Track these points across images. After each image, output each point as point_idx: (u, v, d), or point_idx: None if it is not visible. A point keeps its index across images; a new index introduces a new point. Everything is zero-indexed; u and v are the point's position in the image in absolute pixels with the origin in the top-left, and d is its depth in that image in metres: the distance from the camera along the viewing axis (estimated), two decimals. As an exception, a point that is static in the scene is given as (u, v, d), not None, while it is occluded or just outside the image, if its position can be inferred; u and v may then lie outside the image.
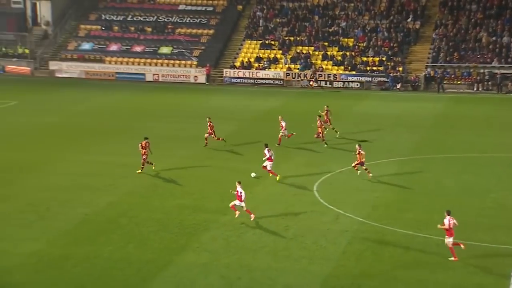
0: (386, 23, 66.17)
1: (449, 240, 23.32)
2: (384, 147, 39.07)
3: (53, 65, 65.11)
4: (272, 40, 66.52)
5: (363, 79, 61.32)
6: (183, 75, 63.83)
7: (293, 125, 41.17)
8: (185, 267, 23.01)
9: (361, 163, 32.52)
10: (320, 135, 38.87)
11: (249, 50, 66.15)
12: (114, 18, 70.38)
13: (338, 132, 41.32)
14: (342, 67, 62.63)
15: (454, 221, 23.27)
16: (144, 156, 33.13)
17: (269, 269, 22.96)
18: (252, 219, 26.86)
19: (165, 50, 66.48)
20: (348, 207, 28.67)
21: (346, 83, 61.48)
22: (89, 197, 29.82)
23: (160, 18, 70.01)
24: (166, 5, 71.87)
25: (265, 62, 63.96)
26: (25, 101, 51.89)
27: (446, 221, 23.31)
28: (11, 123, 43.95)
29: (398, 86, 60.10)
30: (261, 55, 64.84)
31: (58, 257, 23.51)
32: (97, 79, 63.67)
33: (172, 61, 65.27)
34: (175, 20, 69.85)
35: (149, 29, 68.94)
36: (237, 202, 27.07)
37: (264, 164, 32.69)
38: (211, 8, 71.05)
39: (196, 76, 63.54)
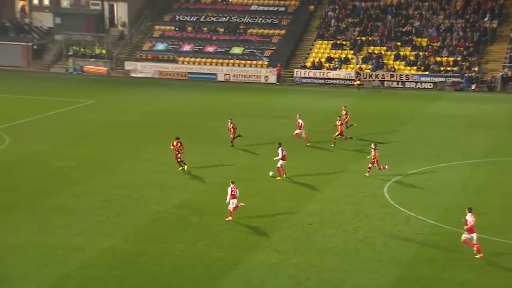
0: (461, 23, 64.72)
1: (467, 236, 23.43)
2: (457, 149, 38.30)
3: (128, 65, 66.62)
4: (343, 40, 66.11)
5: (436, 79, 60.14)
6: (254, 75, 64.20)
7: (364, 126, 40.90)
8: (255, 266, 23.21)
9: (373, 162, 32.50)
10: (338, 135, 38.72)
11: (320, 50, 65.94)
12: (188, 19, 71.43)
13: (353, 137, 40.45)
14: (415, 68, 61.66)
15: (472, 218, 23.37)
16: (179, 155, 33.58)
17: (338, 270, 22.90)
18: (228, 219, 26.98)
19: (236, 50, 67.03)
20: (420, 209, 28.27)
21: (418, 83, 60.47)
22: (162, 195, 30.43)
23: (232, 18, 70.64)
24: (238, 6, 72.45)
25: (336, 62, 63.63)
26: (101, 100, 53.30)
27: (469, 218, 23.42)
28: (88, 121, 45.25)
29: (473, 86, 58.66)
30: (332, 55, 64.54)
31: (131, 253, 24.12)
32: (170, 79, 64.76)
33: (243, 61, 65.76)
34: (247, 21, 70.32)
35: (222, 30, 69.65)
36: (231, 201, 27.24)
37: (278, 164, 32.72)
38: (283, 9, 71.18)
39: (266, 76, 63.80)
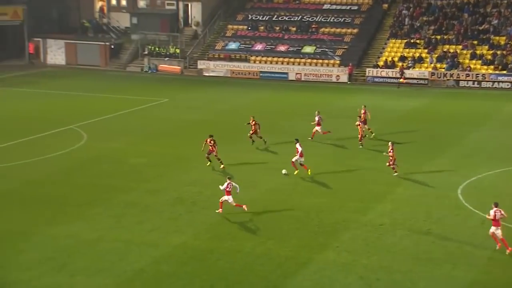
0: (541, 20, 62.66)
1: (497, 232, 23.72)
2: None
3: (201, 64, 67.49)
4: (417, 39, 64.99)
5: (515, 79, 58.49)
6: (325, 74, 63.93)
7: (438, 127, 40.14)
8: (325, 266, 23.16)
9: (392, 160, 32.59)
10: (360, 135, 38.32)
11: (393, 49, 65.04)
12: (260, 18, 71.79)
13: (373, 134, 40.10)
14: (492, 67, 60.02)
15: (502, 212, 23.67)
16: (212, 151, 33.82)
17: (409, 272, 22.60)
18: (246, 209, 27.43)
19: (308, 49, 66.88)
20: (495, 212, 27.51)
21: (495, 83, 58.86)
22: (233, 192, 30.67)
23: (304, 17, 70.54)
24: (311, 5, 72.29)
25: (409, 62, 62.63)
26: (175, 98, 54.20)
27: (492, 212, 23.67)
28: (162, 119, 46.09)
29: (553, 86, 56.72)
30: (405, 54, 63.55)
31: (202, 250, 24.47)
32: (241, 78, 65.24)
33: (315, 60, 65.54)
34: (319, 20, 70.08)
35: (293, 29, 69.65)
36: (225, 197, 27.57)
37: (294, 159, 32.74)
38: (356, 7, 70.60)
39: (338, 76, 63.42)
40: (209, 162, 34.29)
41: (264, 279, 22.32)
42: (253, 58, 66.95)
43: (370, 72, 62.87)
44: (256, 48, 68.04)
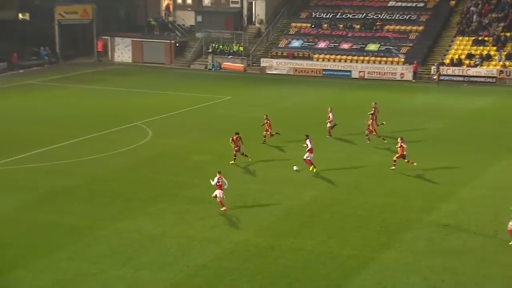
0: None
1: None
2: None
3: (264, 62, 67.69)
4: (486, 36, 63.51)
5: None
6: (389, 72, 63.17)
7: (502, 126, 39.15)
8: (387, 266, 22.93)
9: (402, 156, 32.46)
10: (370, 132, 37.95)
11: (460, 46, 63.74)
12: (324, 16, 71.49)
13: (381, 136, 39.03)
14: None
15: None
16: (236, 148, 34.14)
17: (476, 275, 22.15)
18: (223, 210, 27.64)
19: (372, 47, 66.20)
20: None
21: None
22: (294, 190, 30.73)
23: (369, 15, 69.89)
24: (375, 2, 71.56)
25: (477, 59, 61.26)
26: (238, 96, 54.55)
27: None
28: (225, 117, 46.44)
29: None
30: (473, 52, 62.19)
31: (264, 247, 24.57)
32: (304, 75, 65.12)
33: (378, 58, 64.85)
34: (384, 17, 69.30)
35: (357, 26, 69.10)
36: (218, 192, 27.73)
37: (305, 156, 32.83)
38: (421, 4, 69.53)
39: (402, 73, 62.57)
40: (233, 161, 34.46)
41: (325, 278, 22.25)
42: (316, 56, 66.73)
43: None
44: (319, 46, 67.79)
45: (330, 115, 39.68)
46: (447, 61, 62.11)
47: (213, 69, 69.11)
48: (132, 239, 25.19)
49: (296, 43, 68.93)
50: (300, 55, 67.45)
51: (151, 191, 30.66)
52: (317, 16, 71.67)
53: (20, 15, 72.63)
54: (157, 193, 30.43)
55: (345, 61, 65.53)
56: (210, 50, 70.27)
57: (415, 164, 32.96)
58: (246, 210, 28.37)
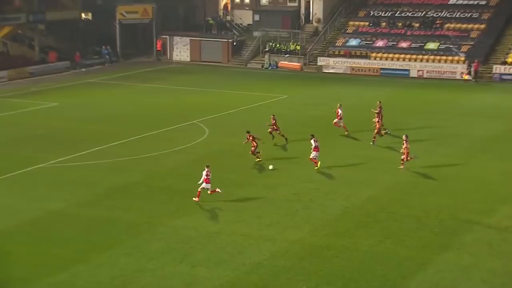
0: None
1: None
2: None
3: (321, 61, 67.41)
4: (550, 34, 61.83)
5: None
6: (448, 71, 62.05)
7: None
8: (445, 268, 22.59)
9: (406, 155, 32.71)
10: (377, 131, 37.66)
11: (524, 45, 62.22)
12: (382, 14, 70.73)
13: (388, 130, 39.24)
14: None
15: None
16: (252, 148, 34.26)
17: (536, 279, 21.63)
18: (195, 199, 28.60)
19: (431, 45, 65.14)
20: None
21: None
22: (350, 190, 30.56)
23: (428, 13, 68.78)
24: (435, 0, 70.40)
25: (541, 58, 59.71)
26: (294, 95, 54.52)
27: None
28: (281, 115, 46.29)
29: None
30: (537, 50, 60.63)
31: (319, 246, 24.53)
32: (361, 74, 64.58)
33: (438, 57, 63.77)
34: (444, 15, 68.08)
35: (417, 25, 68.10)
36: (204, 185, 28.56)
37: (311, 156, 33.13)
38: (483, 2, 67.95)
39: (462, 72, 61.39)
40: (258, 159, 34.64)
41: (381, 278, 22.08)
42: (373, 54, 66.10)
43: (497, 69, 60.41)
44: (377, 45, 67.12)
45: (339, 110, 39.92)
46: (509, 60, 60.63)
47: (270, 68, 69.22)
48: (189, 236, 25.50)
49: (353, 42, 68.40)
50: (357, 53, 66.92)
51: (207, 189, 30.94)
52: (375, 14, 70.96)
53: (83, 15, 74.37)
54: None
55: (403, 60, 64.68)
56: (267, 49, 70.40)
57: (402, 167, 32.91)
58: (302, 209, 28.35)
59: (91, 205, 29.02)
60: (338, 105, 40.37)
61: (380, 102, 40.43)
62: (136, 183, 31.83)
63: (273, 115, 38.91)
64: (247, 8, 77.50)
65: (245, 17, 77.03)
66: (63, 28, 70.32)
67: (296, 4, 74.54)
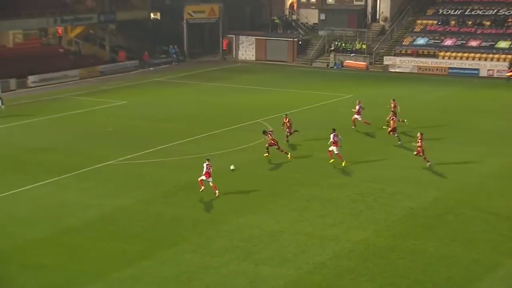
0: None
1: None
2: None
3: (387, 60, 66.63)
4: None
5: None
6: (521, 71, 60.39)
7: None
8: (515, 272, 22.06)
9: (420, 152, 32.73)
10: (391, 129, 37.38)
11: None
12: (452, 13, 69.33)
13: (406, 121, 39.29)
14: None
15: None
16: (273, 142, 34.54)
17: None
18: (217, 195, 29.23)
19: (503, 44, 63.46)
20: None
21: None
22: (416, 191, 30.13)
23: (500, 11, 67.05)
24: (508, -3, 68.65)
25: None
26: (360, 94, 53.95)
27: None
28: (346, 115, 46.06)
29: None
30: None
31: (383, 247, 24.29)
32: (429, 74, 63.49)
33: (509, 56, 62.08)
34: (516, 13, 66.36)
35: (487, 23, 66.47)
36: (204, 177, 29.23)
37: (330, 148, 33.64)
38: (558, -1, 65.95)
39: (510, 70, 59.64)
40: (286, 153, 34.97)
41: (447, 281, 21.70)
42: (442, 53, 64.90)
43: None
44: (445, 44, 65.87)
45: (358, 107, 40.46)
46: None
47: (335, 67, 68.85)
48: (252, 234, 25.65)
49: (421, 41, 67.33)
50: (425, 53, 65.84)
51: (271, 187, 31.06)
52: (444, 13, 69.63)
53: (152, 15, 75.71)
54: (277, 189, 30.79)
55: (473, 59, 63.25)
56: (332, 48, 70.06)
57: (429, 162, 32.95)
58: (366, 209, 28.13)
59: (157, 202, 29.54)
60: (358, 101, 41.24)
61: (393, 99, 40.48)
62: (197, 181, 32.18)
63: (286, 115, 39.19)
64: (313, 7, 77.35)
65: (311, 16, 76.89)
66: (133, 27, 71.83)
67: (362, 2, 73.96)
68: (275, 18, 78.13)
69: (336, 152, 33.87)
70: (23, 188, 30.92)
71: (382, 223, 26.59)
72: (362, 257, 23.60)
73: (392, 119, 38.17)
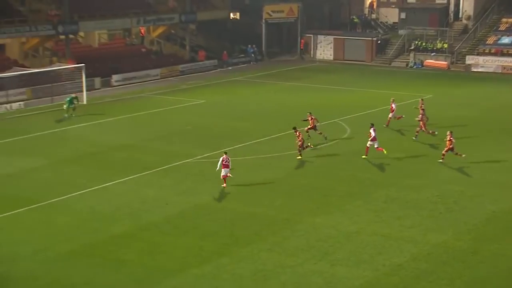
0: None
1: None
2: None
3: (469, 60, 65.04)
4: None
5: None
6: None
7: None
8: None
9: (451, 149, 32.76)
10: (419, 129, 37.76)
11: None
12: (538, 10, 67.15)
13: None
14: None
15: None
16: (299, 143, 34.56)
17: None
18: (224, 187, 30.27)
19: None
20: None
21: None
22: (498, 194, 29.33)
23: None
24: None
25: None
26: (440, 94, 53.03)
27: None
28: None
29: None
30: None
31: (464, 251, 23.74)
32: (514, 74, 61.67)
33: None
34: None
35: None
36: (223, 170, 30.24)
37: (368, 144, 34.23)
38: None
39: None
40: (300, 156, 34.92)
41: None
42: (527, 52, 62.86)
43: None
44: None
45: (393, 105, 40.53)
46: None
47: (415, 66, 67.69)
48: (328, 234, 25.55)
49: (506, 40, 65.40)
50: (509, 52, 63.89)
51: (348, 188, 30.87)
52: (531, 10, 67.45)
53: (231, 15, 76.48)
54: (354, 190, 30.56)
55: (562, 58, 60.96)
56: (412, 48, 68.91)
57: (463, 156, 32.91)
58: (445, 212, 27.56)
59: (234, 200, 29.84)
60: (392, 99, 41.05)
61: (422, 99, 40.65)
62: (276, 180, 32.33)
63: (310, 112, 38.75)
64: (393, 6, 76.35)
65: (391, 15, 75.95)
66: (212, 27, 72.78)
67: (444, 1, 72.50)
68: (354, 17, 77.54)
69: (376, 146, 34.33)
70: (106, 184, 31.84)
71: (462, 226, 25.99)
72: (441, 260, 23.14)
73: (421, 118, 38.11)
